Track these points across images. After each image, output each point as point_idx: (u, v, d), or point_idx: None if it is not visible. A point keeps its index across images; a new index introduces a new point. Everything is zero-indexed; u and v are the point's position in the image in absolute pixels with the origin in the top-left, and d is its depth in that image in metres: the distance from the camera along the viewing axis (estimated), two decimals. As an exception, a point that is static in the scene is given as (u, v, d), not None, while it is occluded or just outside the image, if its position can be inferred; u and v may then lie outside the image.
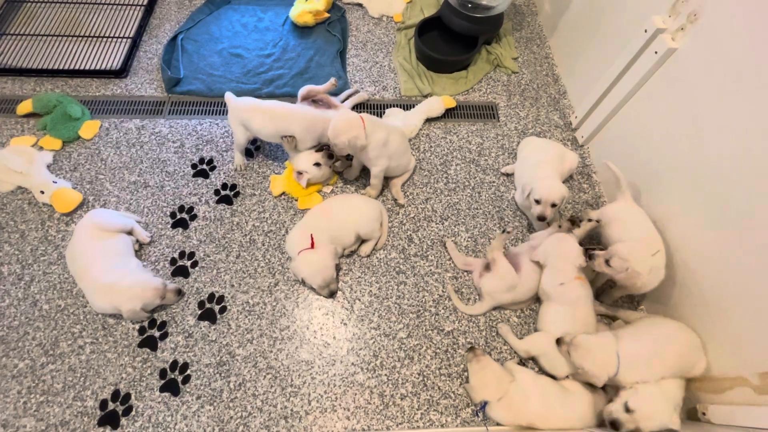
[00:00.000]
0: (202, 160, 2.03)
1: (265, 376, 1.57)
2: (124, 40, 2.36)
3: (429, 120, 2.20)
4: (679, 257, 1.55)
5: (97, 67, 2.25)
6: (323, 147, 1.88)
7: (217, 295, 1.71)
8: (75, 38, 2.35)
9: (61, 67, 2.23)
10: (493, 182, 2.04)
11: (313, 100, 2.02)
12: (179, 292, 1.67)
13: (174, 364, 1.57)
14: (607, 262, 1.45)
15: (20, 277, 1.70)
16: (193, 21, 2.49)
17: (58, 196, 1.79)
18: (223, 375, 1.57)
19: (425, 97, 2.27)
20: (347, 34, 2.52)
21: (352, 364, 1.61)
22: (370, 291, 1.76)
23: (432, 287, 1.77)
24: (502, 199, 1.99)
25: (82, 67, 2.24)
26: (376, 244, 1.82)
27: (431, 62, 2.36)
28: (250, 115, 1.84)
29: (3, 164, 1.80)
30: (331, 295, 1.70)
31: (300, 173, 1.86)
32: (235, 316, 1.68)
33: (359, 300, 1.74)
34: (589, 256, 1.52)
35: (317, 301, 1.73)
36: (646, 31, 1.62)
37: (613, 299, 1.69)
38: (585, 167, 2.09)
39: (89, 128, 2.05)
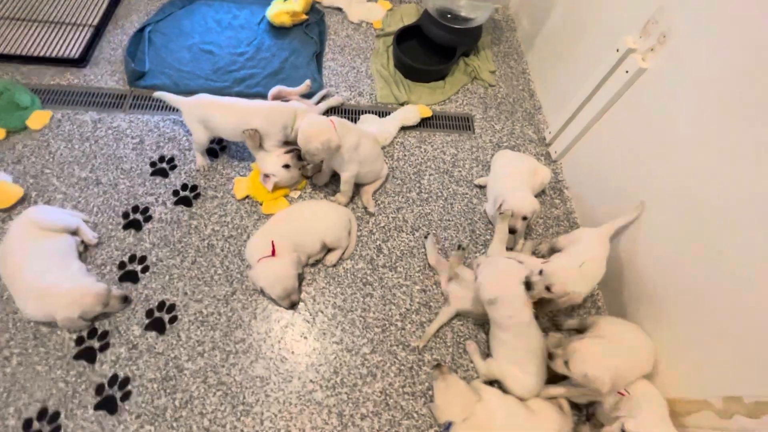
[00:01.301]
0: (162, 158, 1.91)
1: (215, 393, 1.45)
2: (87, 27, 2.22)
3: (404, 128, 2.15)
4: (644, 280, 1.55)
5: (54, 55, 2.10)
6: (293, 149, 1.80)
7: (168, 303, 1.59)
8: (31, 23, 2.19)
9: (12, 52, 2.07)
10: (466, 194, 2.00)
11: (283, 101, 1.95)
12: (125, 299, 1.54)
13: (113, 379, 1.43)
14: (547, 288, 1.38)
15: (-57, 278, 1.53)
16: (163, 13, 2.38)
17: (-6, 189, 1.64)
18: (168, 391, 1.44)
19: (401, 105, 2.23)
20: (325, 37, 2.47)
21: (311, 381, 1.51)
22: (335, 303, 1.67)
23: (399, 300, 1.70)
24: (474, 211, 1.96)
25: (36, 54, 2.09)
26: (343, 254, 1.74)
27: (409, 70, 2.33)
28: (209, 110, 1.75)
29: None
30: (292, 306, 1.60)
31: (267, 176, 1.77)
32: (186, 327, 1.55)
33: (322, 312, 1.65)
34: (527, 284, 1.42)
35: (277, 313, 1.63)
36: (618, 50, 1.63)
37: (547, 312, 1.66)
38: (557, 182, 2.09)
39: (38, 118, 1.90)
